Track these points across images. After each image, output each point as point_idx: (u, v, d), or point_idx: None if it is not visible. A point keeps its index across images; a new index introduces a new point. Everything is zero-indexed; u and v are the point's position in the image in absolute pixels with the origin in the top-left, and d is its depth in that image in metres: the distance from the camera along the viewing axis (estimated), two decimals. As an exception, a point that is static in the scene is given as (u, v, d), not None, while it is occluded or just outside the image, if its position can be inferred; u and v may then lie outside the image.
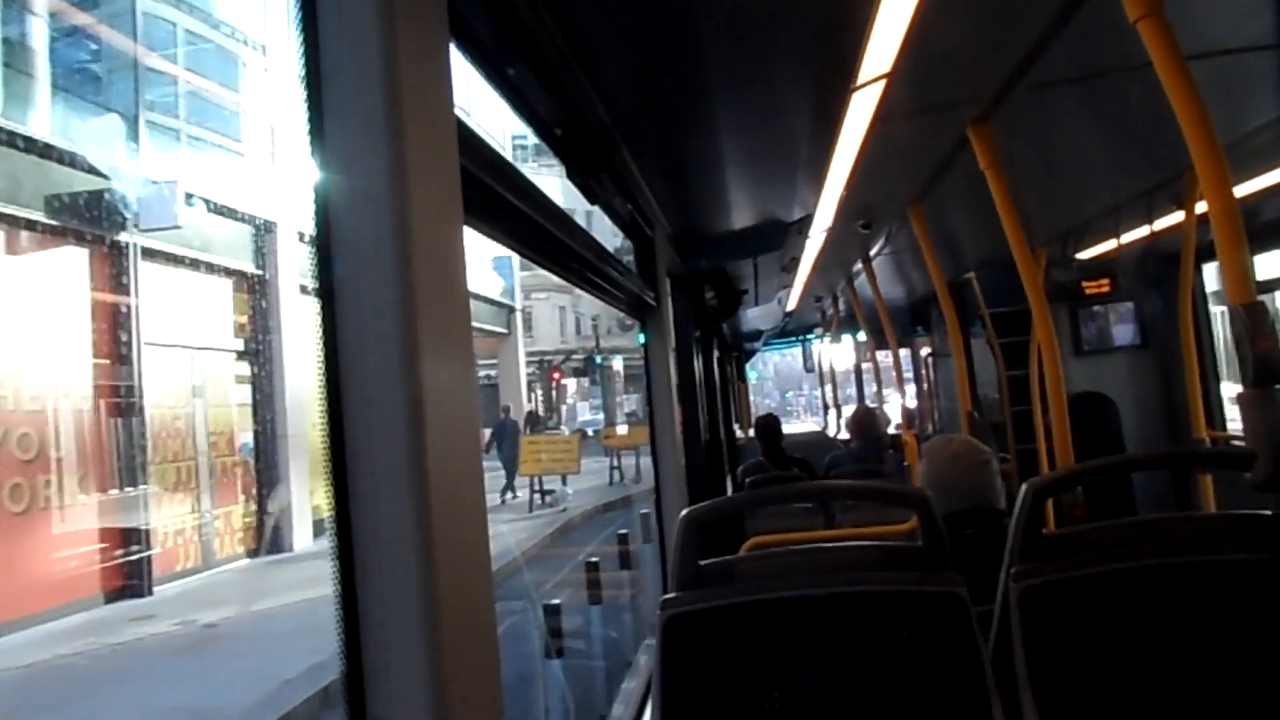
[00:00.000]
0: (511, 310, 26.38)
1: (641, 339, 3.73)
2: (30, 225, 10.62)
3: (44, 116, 11.20)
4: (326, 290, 0.95)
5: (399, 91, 0.94)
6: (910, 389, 11.12)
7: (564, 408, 37.72)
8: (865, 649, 1.84)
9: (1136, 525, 2.01)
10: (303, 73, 0.94)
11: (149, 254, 12.24)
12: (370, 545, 0.93)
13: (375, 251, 0.94)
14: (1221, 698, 1.74)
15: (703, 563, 1.98)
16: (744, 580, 1.95)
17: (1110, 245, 5.21)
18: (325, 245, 0.95)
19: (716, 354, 7.51)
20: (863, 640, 1.84)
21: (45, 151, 10.81)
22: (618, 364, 37.42)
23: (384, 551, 0.93)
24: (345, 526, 0.94)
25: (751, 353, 15.43)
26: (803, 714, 1.81)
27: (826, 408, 14.19)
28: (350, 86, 0.94)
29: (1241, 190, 3.17)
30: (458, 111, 1.11)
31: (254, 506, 14.22)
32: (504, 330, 25.99)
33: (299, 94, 0.94)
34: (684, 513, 2.03)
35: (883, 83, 2.46)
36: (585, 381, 39.47)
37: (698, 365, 4.94)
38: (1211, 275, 5.76)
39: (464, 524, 1.01)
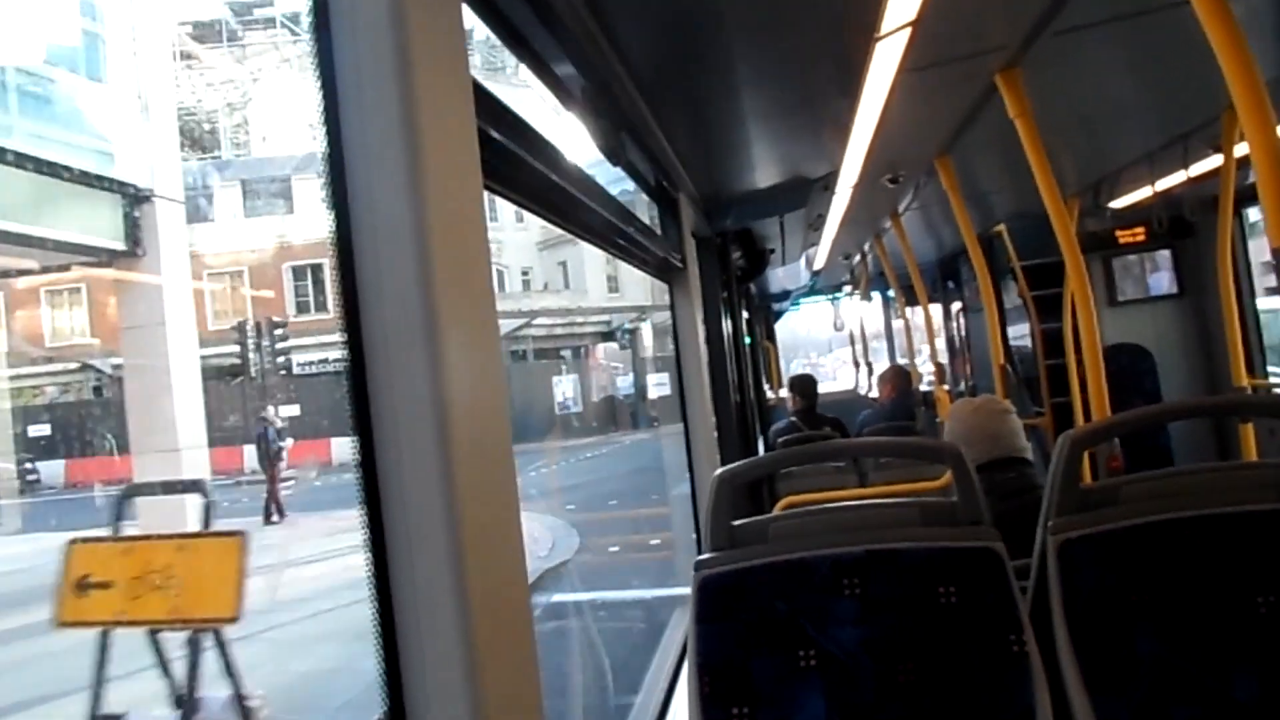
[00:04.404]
0: (138, 199, 12.31)
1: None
2: None
3: None
4: (345, 261, 0.94)
5: (410, 52, 0.92)
6: (941, 345, 11.02)
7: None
8: (900, 606, 1.83)
9: (1175, 476, 1.98)
10: (311, 36, 0.93)
11: None
12: (400, 532, 0.92)
13: (392, 218, 0.92)
14: (1264, 649, 1.72)
15: (735, 523, 1.97)
16: (777, 540, 1.95)
17: (1145, 192, 5.10)
18: (342, 214, 0.94)
19: (745, 315, 7.47)
20: (898, 598, 1.83)
21: None
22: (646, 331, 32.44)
23: (414, 538, 0.92)
24: (376, 514, 0.93)
25: (780, 313, 15.36)
26: (839, 671, 1.81)
27: (857, 366, 14.12)
28: (360, 48, 0.92)
29: None
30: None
31: None
32: (116, 246, 12.00)
33: (308, 58, 0.93)
34: (717, 473, 2.02)
35: (907, 31, 2.40)
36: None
37: (726, 326, 4.91)
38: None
39: (495, 506, 1.00)
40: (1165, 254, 6.57)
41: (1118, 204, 5.59)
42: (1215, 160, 4.02)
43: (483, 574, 0.94)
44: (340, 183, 0.93)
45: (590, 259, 30.79)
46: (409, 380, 0.92)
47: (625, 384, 30.85)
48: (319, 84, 0.94)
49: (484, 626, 0.92)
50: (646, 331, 31.78)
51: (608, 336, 31.98)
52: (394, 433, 0.92)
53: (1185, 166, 4.40)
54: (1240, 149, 3.62)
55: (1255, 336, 5.79)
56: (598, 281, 31.82)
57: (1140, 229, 6.38)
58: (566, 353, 31.15)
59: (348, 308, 0.94)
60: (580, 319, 31.50)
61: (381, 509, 0.93)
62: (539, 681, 1.06)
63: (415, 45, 0.93)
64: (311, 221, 28.16)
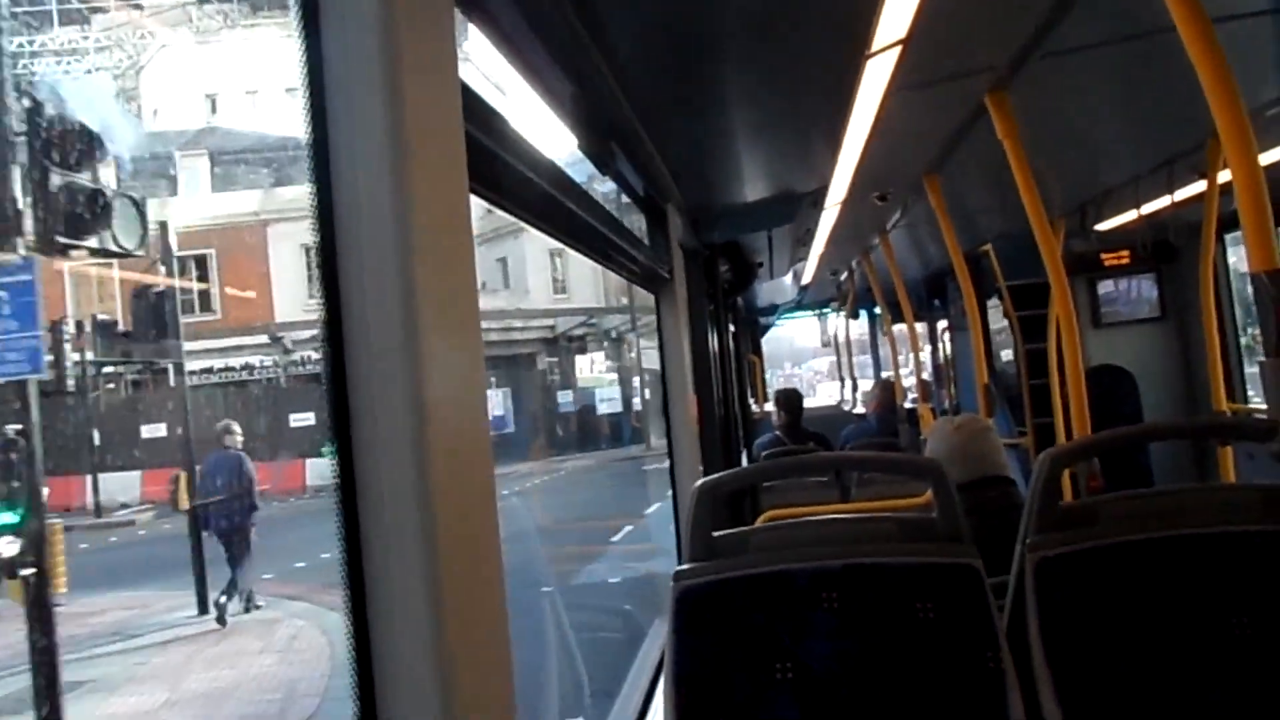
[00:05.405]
0: None
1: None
2: None
3: None
4: (329, 262, 0.93)
5: (400, 53, 0.91)
6: (927, 362, 11.08)
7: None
8: (879, 620, 1.83)
9: (1154, 497, 1.99)
10: (300, 33, 0.92)
11: None
12: (376, 533, 0.92)
13: (376, 221, 0.92)
14: (1239, 670, 1.72)
15: (716, 534, 1.97)
16: (757, 551, 1.94)
17: (1130, 216, 5.14)
18: (326, 216, 0.93)
19: (731, 328, 7.49)
20: (876, 612, 1.83)
21: None
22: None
23: (390, 540, 0.91)
24: (353, 515, 0.93)
25: (767, 327, 15.40)
26: (815, 685, 1.81)
27: (842, 381, 14.18)
28: (350, 47, 0.92)
29: (1266, 158, 3.13)
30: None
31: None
32: None
33: (295, 55, 0.93)
34: (698, 483, 2.02)
35: (898, 49, 2.42)
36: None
37: (712, 339, 4.92)
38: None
39: (471, 511, 1.00)
40: (1149, 277, 6.63)
41: (1103, 226, 5.63)
42: (1200, 186, 4.06)
43: (458, 578, 0.93)
44: (325, 182, 0.93)
45: (533, 256, 26.95)
46: (390, 382, 0.91)
47: (569, 399, 27.33)
48: (306, 82, 0.93)
49: (458, 629, 0.92)
50: (598, 338, 28.73)
51: (552, 343, 28.52)
52: (372, 434, 0.92)
53: (1170, 191, 4.44)
54: (1224, 175, 3.65)
55: (1236, 361, 5.84)
56: (542, 280, 28.24)
57: (1125, 252, 6.43)
58: (501, 361, 25.73)
59: (330, 309, 0.93)
60: (520, 323, 27.44)
61: (358, 510, 0.92)
62: (512, 684, 1.05)
63: (405, 46, 0.92)
64: (199, 205, 24.76)
